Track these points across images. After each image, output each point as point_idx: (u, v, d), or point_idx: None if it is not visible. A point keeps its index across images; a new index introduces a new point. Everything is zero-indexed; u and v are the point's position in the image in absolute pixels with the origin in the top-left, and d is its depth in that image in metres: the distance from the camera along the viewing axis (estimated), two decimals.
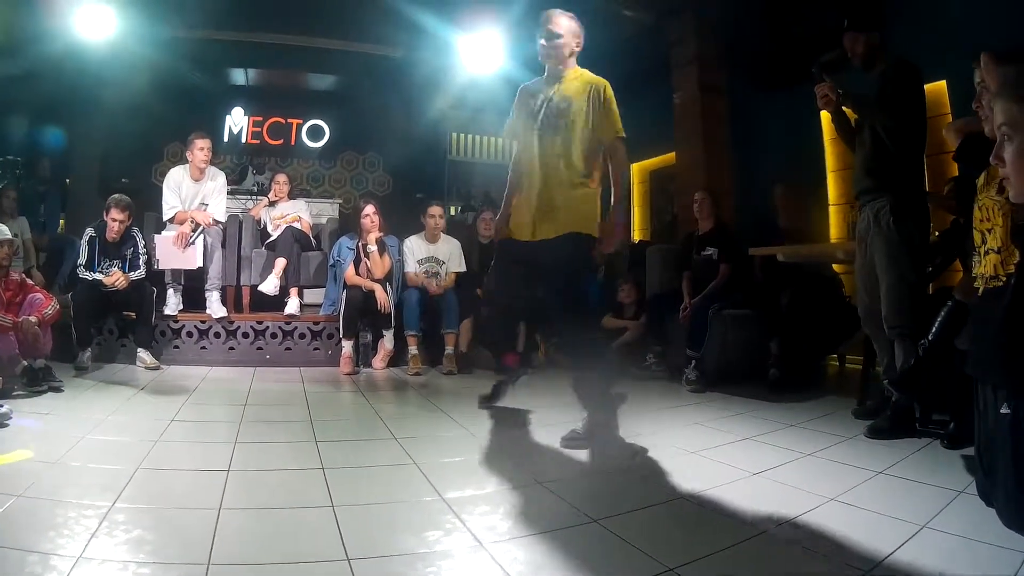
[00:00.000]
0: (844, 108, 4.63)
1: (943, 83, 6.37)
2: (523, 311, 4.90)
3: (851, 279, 5.73)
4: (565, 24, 4.33)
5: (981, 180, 3.31)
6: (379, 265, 7.22)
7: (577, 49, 4.40)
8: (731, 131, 8.61)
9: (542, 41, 4.32)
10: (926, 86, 4.56)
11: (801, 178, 7.69)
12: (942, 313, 3.92)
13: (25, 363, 5.15)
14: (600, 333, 6.12)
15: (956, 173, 5.50)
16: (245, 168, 10.51)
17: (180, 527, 2.57)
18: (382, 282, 7.18)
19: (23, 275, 5.67)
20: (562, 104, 4.27)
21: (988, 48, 3.26)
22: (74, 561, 2.21)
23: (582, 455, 3.85)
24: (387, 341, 7.16)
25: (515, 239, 4.41)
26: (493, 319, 5.36)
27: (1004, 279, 2.79)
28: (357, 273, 7.24)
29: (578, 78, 4.34)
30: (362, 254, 7.30)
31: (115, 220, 6.68)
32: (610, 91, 4.25)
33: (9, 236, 5.45)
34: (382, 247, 7.29)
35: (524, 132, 4.42)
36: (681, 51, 8.65)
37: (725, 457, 3.82)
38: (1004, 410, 2.44)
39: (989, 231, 3.01)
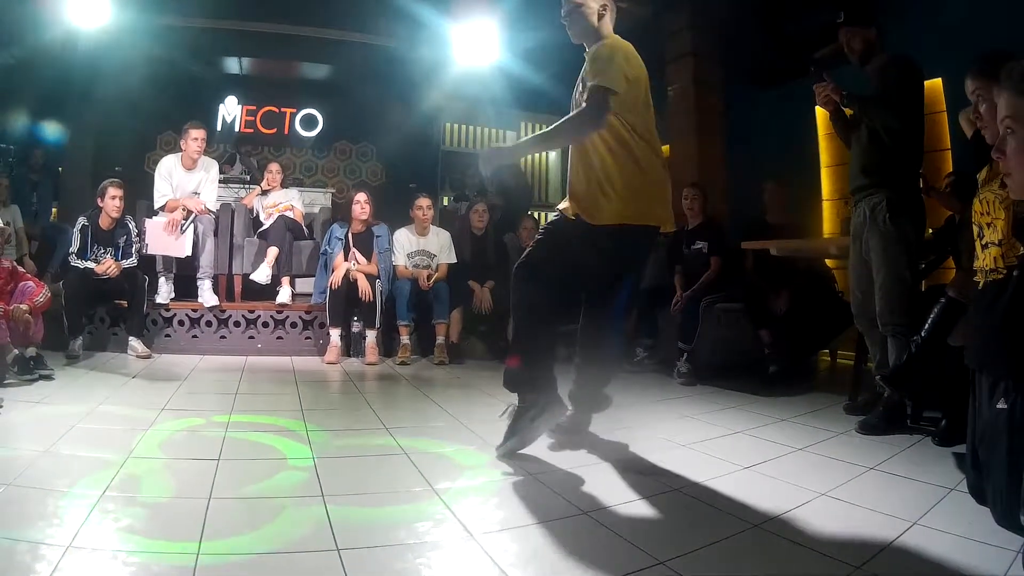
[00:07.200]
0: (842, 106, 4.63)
1: (939, 81, 6.36)
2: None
3: (844, 274, 5.73)
4: None
5: (983, 174, 3.32)
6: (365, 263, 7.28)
7: (604, 13, 3.87)
8: (725, 125, 8.59)
9: (562, 18, 3.91)
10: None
11: (793, 174, 7.66)
12: (935, 310, 3.92)
13: (16, 351, 5.16)
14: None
15: (952, 168, 5.52)
16: (233, 156, 10.45)
17: (170, 516, 2.57)
18: (371, 277, 7.19)
19: (15, 263, 5.64)
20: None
21: (982, 51, 3.26)
22: (63, 550, 2.20)
23: (573, 446, 3.84)
24: (370, 340, 7.11)
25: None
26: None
27: (1004, 272, 2.80)
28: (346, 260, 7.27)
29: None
30: (350, 245, 7.32)
31: (113, 198, 6.72)
32: (601, 47, 3.71)
33: (1, 224, 5.44)
34: (368, 243, 7.39)
35: None
36: (676, 44, 8.62)
37: (716, 451, 3.82)
38: (1001, 404, 2.44)
39: (989, 225, 3.01)
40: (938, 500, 2.93)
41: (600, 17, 3.83)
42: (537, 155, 13.20)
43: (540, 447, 3.74)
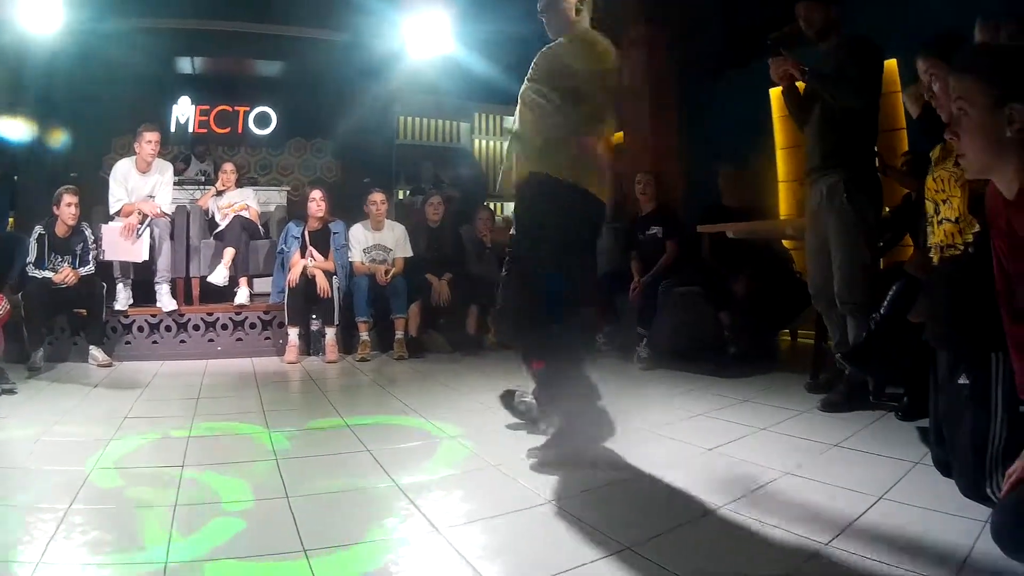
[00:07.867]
0: (796, 84, 4.64)
1: (894, 61, 6.39)
2: None
3: (801, 255, 5.75)
4: None
5: (936, 152, 3.34)
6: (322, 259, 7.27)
7: (581, 7, 3.69)
8: (680, 109, 8.60)
9: (539, 13, 3.80)
10: None
11: (749, 157, 7.70)
12: (893, 288, 3.95)
13: None
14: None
15: (908, 148, 5.55)
16: (188, 157, 10.37)
17: (137, 526, 2.54)
18: (328, 273, 7.19)
19: None
20: None
21: (934, 31, 3.29)
22: (33, 567, 2.18)
23: (536, 438, 3.73)
24: (329, 337, 7.11)
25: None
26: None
27: (961, 248, 2.82)
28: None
29: None
30: (307, 242, 7.31)
31: (69, 205, 6.59)
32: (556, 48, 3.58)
33: None
34: (324, 240, 7.37)
35: None
36: (631, 29, 8.60)
37: (679, 434, 3.85)
38: (963, 380, 2.46)
39: (944, 201, 3.04)
40: (903, 474, 2.97)
41: (578, 12, 3.72)
42: (491, 146, 13.31)
43: (501, 437, 3.74)
